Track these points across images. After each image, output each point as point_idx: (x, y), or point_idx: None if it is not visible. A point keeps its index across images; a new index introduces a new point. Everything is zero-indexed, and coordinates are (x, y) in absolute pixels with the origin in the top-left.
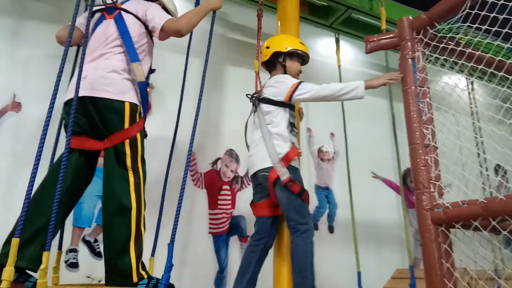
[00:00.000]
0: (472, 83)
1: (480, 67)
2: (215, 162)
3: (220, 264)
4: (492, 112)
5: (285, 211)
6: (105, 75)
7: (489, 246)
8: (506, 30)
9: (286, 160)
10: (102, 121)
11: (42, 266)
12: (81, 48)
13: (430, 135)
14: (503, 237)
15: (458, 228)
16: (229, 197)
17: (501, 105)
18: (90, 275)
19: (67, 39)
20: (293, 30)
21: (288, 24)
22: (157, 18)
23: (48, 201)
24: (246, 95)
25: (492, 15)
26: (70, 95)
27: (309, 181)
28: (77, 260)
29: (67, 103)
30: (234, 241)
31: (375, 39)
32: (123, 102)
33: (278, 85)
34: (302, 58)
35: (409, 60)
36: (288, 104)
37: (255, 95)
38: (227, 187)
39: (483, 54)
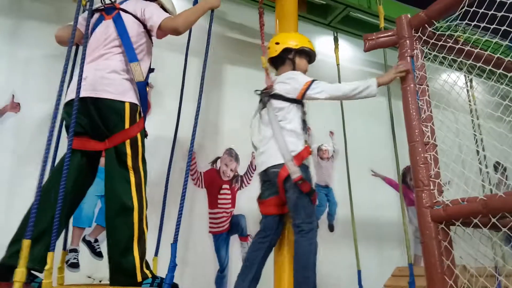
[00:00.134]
0: (471, 81)
1: (478, 64)
2: (214, 161)
3: (221, 263)
4: (491, 110)
5: (292, 210)
6: (105, 76)
7: (489, 243)
8: (504, 27)
9: (299, 158)
10: (103, 121)
11: (47, 267)
12: (80, 48)
13: (430, 133)
14: (503, 234)
15: (458, 225)
16: (229, 196)
17: (500, 102)
18: (91, 275)
19: (69, 39)
20: (291, 29)
21: (286, 22)
22: (155, 16)
23: (52, 202)
24: (255, 91)
25: (490, 12)
26: (71, 96)
27: None
28: (77, 260)
29: (68, 104)
30: (234, 240)
31: (373, 37)
32: (123, 102)
33: (290, 81)
34: (310, 56)
35: (408, 58)
36: (300, 101)
37: (265, 91)
38: (227, 186)
39: (482, 51)
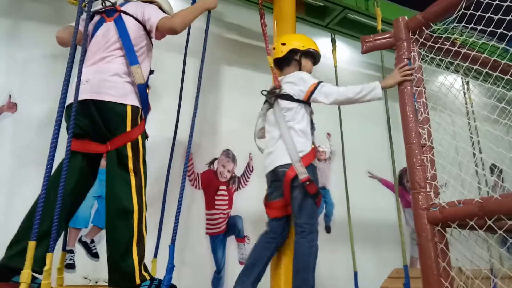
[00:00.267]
0: (467, 83)
1: (475, 67)
2: (211, 163)
3: (217, 265)
4: (487, 112)
5: (295, 210)
6: (107, 79)
7: (485, 246)
8: (501, 30)
9: (307, 159)
10: (104, 124)
11: (46, 267)
12: (79, 49)
13: (426, 135)
14: (498, 236)
15: (454, 227)
16: (226, 198)
17: (497, 104)
18: (87, 276)
19: (71, 41)
20: (289, 30)
21: (284, 24)
22: (153, 17)
23: (52, 204)
24: (261, 91)
25: (487, 15)
26: (72, 99)
27: None
28: (73, 261)
29: (69, 107)
30: (231, 242)
31: (371, 39)
32: (125, 105)
33: (298, 82)
34: (314, 58)
35: (405, 60)
36: (308, 102)
37: (273, 91)
38: (224, 187)
39: (478, 54)
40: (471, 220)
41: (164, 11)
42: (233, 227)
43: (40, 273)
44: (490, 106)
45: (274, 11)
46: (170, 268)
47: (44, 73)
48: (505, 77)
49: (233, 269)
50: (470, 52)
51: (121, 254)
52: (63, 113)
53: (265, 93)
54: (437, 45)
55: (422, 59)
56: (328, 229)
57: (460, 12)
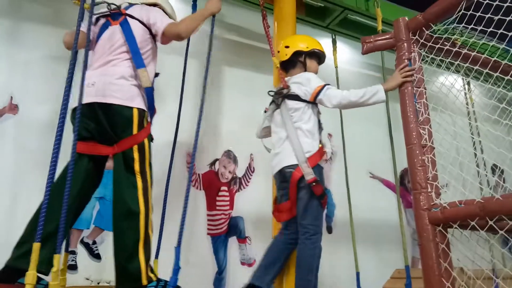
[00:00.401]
0: (468, 83)
1: (476, 67)
2: (213, 163)
3: (219, 265)
4: (488, 112)
5: (300, 211)
6: (113, 82)
7: (486, 246)
8: (501, 30)
9: (314, 160)
10: (111, 126)
11: (54, 269)
12: (82, 51)
13: (427, 136)
14: (500, 236)
15: (456, 228)
16: (227, 198)
17: (497, 105)
18: (89, 276)
19: (78, 45)
20: (290, 31)
21: (285, 25)
22: (159, 22)
23: (58, 206)
24: (268, 92)
25: (487, 15)
26: (77, 101)
27: None
28: (75, 262)
29: (75, 109)
30: (232, 242)
31: (371, 40)
32: (131, 108)
33: (305, 82)
34: (319, 58)
35: (405, 61)
36: (315, 102)
37: (280, 92)
38: (225, 188)
39: (479, 54)
40: (472, 221)
41: (167, 14)
42: (234, 228)
43: (46, 274)
44: (490, 107)
45: (275, 12)
46: (176, 269)
47: (46, 74)
48: (506, 78)
49: (234, 270)
50: (470, 52)
51: (128, 256)
52: (65, 116)
53: (272, 93)
54: (437, 46)
55: (422, 60)
56: (329, 230)
57: (461, 13)
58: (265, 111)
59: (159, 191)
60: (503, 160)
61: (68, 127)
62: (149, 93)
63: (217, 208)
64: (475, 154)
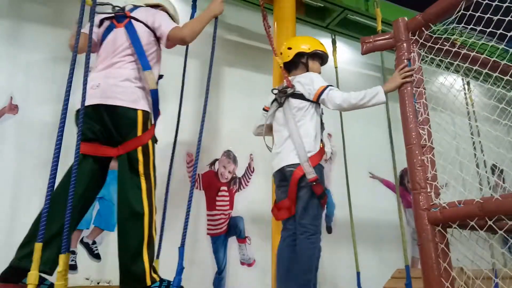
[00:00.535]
0: (468, 83)
1: (475, 67)
2: (212, 163)
3: (219, 265)
4: (487, 112)
5: (300, 210)
6: (118, 84)
7: (486, 246)
8: (500, 31)
9: (315, 159)
10: (116, 128)
11: (59, 269)
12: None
13: (426, 136)
14: (499, 236)
15: (455, 228)
16: (227, 198)
17: (497, 105)
18: (89, 277)
19: (84, 48)
20: (289, 31)
21: (284, 25)
22: (163, 26)
23: (63, 207)
24: (272, 90)
25: (486, 16)
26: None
27: None
28: (75, 262)
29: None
30: (232, 242)
31: (371, 40)
32: (136, 110)
33: (309, 82)
34: (322, 58)
35: (405, 61)
36: (318, 102)
37: (284, 90)
38: (225, 188)
39: (478, 54)
40: (472, 221)
41: (170, 16)
42: (234, 228)
43: (50, 274)
44: (490, 107)
45: (274, 12)
46: (180, 269)
47: (46, 75)
48: (505, 78)
49: (234, 270)
50: (470, 52)
51: (132, 257)
52: (66, 117)
53: (276, 91)
54: (437, 46)
55: (422, 60)
56: (329, 230)
57: (460, 13)
58: (264, 109)
59: (159, 191)
60: (502, 160)
61: (70, 128)
62: (155, 95)
63: (217, 208)
64: (475, 154)
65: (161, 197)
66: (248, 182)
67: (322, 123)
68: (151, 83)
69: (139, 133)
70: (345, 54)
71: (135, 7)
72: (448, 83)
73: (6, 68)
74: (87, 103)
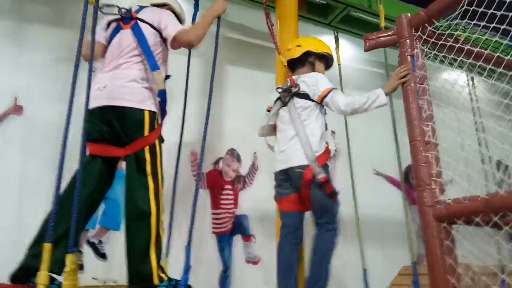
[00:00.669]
0: (472, 79)
1: (479, 63)
2: (216, 162)
3: (224, 264)
4: (492, 108)
5: (317, 210)
6: (125, 85)
7: (492, 242)
8: (504, 26)
9: (322, 159)
10: (123, 129)
11: (66, 269)
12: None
13: (431, 132)
14: (505, 232)
15: (460, 224)
16: (232, 197)
17: (501, 100)
18: (96, 276)
19: (98, 55)
20: (292, 29)
21: (287, 22)
22: (169, 28)
23: (71, 207)
24: (276, 88)
25: (490, 11)
26: (91, 104)
27: None
28: (82, 262)
29: (89, 112)
30: (237, 240)
31: (374, 37)
32: (142, 110)
33: (314, 82)
34: (328, 62)
35: (408, 57)
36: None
37: (288, 89)
38: (229, 186)
39: (482, 50)
40: (477, 217)
41: (176, 14)
42: (239, 226)
43: (59, 274)
44: (494, 102)
45: (277, 9)
46: (187, 268)
47: (49, 74)
48: (509, 73)
49: (239, 268)
50: (473, 48)
51: (139, 256)
52: (69, 119)
53: (280, 90)
54: (440, 42)
55: (425, 56)
56: None
57: (463, 8)
58: (267, 110)
59: (165, 190)
60: (507, 156)
61: (78, 129)
62: (162, 95)
63: (222, 206)
64: (480, 150)
65: (168, 197)
66: (252, 180)
67: (325, 124)
68: (159, 83)
69: (146, 133)
70: (348, 51)
71: (141, 7)
72: (452, 79)
73: (9, 69)
74: (94, 104)
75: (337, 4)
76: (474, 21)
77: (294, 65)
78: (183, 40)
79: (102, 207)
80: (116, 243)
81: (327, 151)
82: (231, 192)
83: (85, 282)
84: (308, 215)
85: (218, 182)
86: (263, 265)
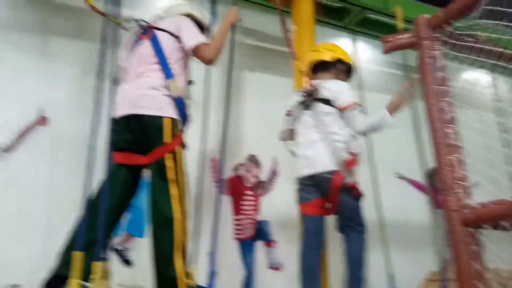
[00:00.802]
0: (494, 79)
1: (500, 63)
2: (236, 168)
3: (247, 270)
4: None
5: (346, 213)
6: (145, 93)
7: None
8: None
9: (350, 164)
10: (144, 136)
11: (93, 276)
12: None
13: (454, 135)
14: None
15: (486, 228)
16: (253, 203)
17: None
18: (121, 283)
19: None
20: (308, 33)
21: (303, 27)
22: (186, 38)
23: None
24: (298, 91)
25: (509, 10)
26: (116, 114)
27: None
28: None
29: (113, 121)
30: (259, 246)
31: (392, 39)
32: (161, 117)
33: (339, 90)
34: (349, 75)
35: (428, 59)
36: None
37: (311, 93)
38: (250, 192)
39: (503, 50)
40: (504, 221)
41: (198, 21)
42: (260, 232)
43: (87, 281)
44: None
45: (293, 14)
46: (213, 274)
47: (75, 87)
48: None
49: (262, 274)
50: (494, 48)
51: (164, 263)
52: (97, 130)
53: (302, 94)
54: (460, 42)
55: (445, 56)
56: None
57: (482, 8)
58: (287, 114)
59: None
60: None
61: (102, 139)
62: (180, 102)
63: (243, 212)
64: (504, 152)
65: (192, 203)
66: (273, 185)
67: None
68: (174, 91)
69: (166, 140)
70: (366, 53)
71: (161, 18)
72: (473, 80)
73: (35, 82)
74: (118, 114)
75: (353, 7)
76: (492, 21)
77: (320, 68)
78: (202, 56)
79: (127, 214)
80: (141, 249)
81: (354, 155)
82: (252, 198)
83: None
84: (329, 220)
85: (239, 188)
86: (285, 270)
